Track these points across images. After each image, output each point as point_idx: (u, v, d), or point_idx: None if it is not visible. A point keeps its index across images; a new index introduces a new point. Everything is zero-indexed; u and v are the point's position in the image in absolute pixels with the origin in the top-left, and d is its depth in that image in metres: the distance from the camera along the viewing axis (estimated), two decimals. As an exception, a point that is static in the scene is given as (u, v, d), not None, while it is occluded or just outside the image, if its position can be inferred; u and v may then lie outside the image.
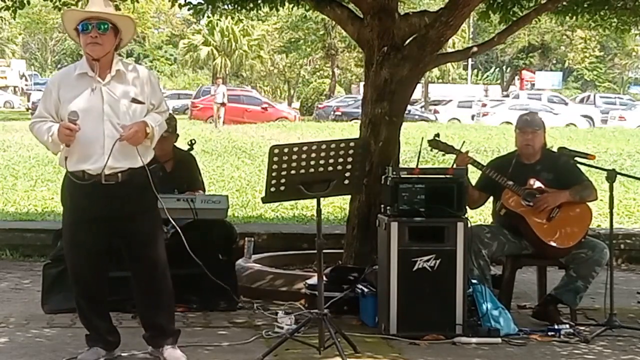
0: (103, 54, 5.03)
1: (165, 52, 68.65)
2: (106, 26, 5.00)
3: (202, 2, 8.82)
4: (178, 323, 5.47)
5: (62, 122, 4.98)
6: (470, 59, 50.24)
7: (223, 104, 33.14)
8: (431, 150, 6.69)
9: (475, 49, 8.19)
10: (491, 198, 6.67)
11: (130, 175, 5.06)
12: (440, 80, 57.36)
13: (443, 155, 7.33)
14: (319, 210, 5.43)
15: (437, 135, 6.71)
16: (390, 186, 6.05)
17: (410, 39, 7.28)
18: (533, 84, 59.45)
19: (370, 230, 6.80)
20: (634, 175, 7.86)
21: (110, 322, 5.34)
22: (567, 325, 6.11)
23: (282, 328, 5.83)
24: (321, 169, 5.34)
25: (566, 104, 42.57)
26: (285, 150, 5.31)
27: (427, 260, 5.96)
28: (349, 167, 5.40)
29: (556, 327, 6.07)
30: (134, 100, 5.06)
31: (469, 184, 6.33)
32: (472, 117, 39.72)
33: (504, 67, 62.62)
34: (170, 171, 6.74)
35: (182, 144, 7.23)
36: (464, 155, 6.50)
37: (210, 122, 33.74)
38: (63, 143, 4.96)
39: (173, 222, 5.42)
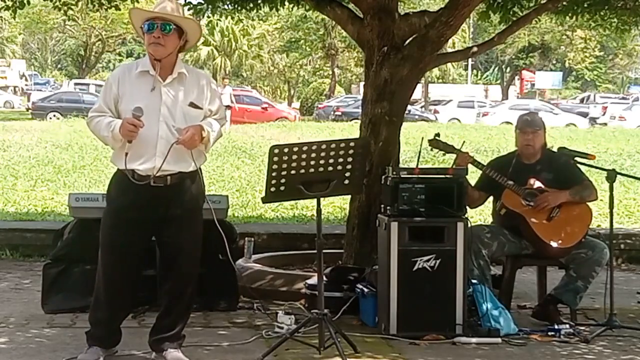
0: (165, 54, 5.01)
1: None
2: (170, 27, 4.99)
3: (202, 2, 8.83)
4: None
5: (125, 117, 4.94)
6: (470, 59, 50.26)
7: (229, 107, 31.36)
8: (431, 149, 6.69)
9: (475, 49, 8.19)
10: (491, 198, 6.67)
11: (180, 179, 5.04)
12: (440, 80, 57.38)
13: (443, 155, 7.33)
14: (319, 210, 5.43)
15: (438, 134, 6.71)
16: (390, 186, 6.06)
17: (410, 39, 7.28)
18: (533, 84, 59.50)
19: (370, 230, 6.80)
20: (634, 175, 7.86)
21: (121, 322, 5.29)
22: (567, 325, 6.11)
23: (282, 328, 5.83)
24: (321, 169, 5.34)
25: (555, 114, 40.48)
26: (285, 150, 5.31)
27: (427, 260, 5.96)
28: (349, 167, 5.40)
29: (556, 327, 6.07)
30: (192, 105, 5.03)
31: (468, 184, 6.33)
32: (479, 114, 39.58)
33: (504, 67, 62.62)
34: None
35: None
36: (464, 154, 6.50)
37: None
38: (125, 138, 4.91)
39: (218, 226, 5.30)
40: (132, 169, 4.99)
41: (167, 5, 5.04)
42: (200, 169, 5.15)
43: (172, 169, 5.00)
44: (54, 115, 35.46)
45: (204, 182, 5.21)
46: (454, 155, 6.59)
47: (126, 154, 4.96)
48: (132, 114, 4.90)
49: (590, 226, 6.55)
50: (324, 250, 5.47)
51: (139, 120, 4.89)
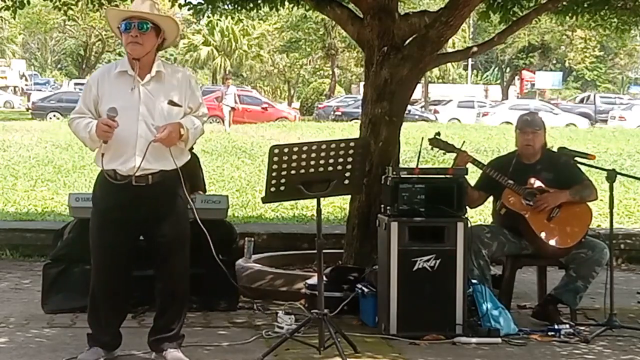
0: (143, 53, 5.01)
1: (165, 51, 68.71)
2: (147, 26, 5.00)
3: (202, 2, 8.82)
4: (178, 323, 5.46)
5: (100, 118, 4.96)
6: (470, 59, 50.28)
7: (233, 108, 30.41)
8: (432, 148, 6.69)
9: (475, 49, 8.19)
10: (491, 198, 6.67)
11: (162, 178, 5.04)
12: (440, 80, 57.39)
13: (443, 154, 7.33)
14: (319, 210, 5.43)
15: (438, 133, 6.71)
16: (390, 186, 6.05)
17: (410, 39, 7.28)
18: (533, 84, 59.48)
19: (370, 230, 6.80)
20: (634, 175, 7.86)
21: (119, 323, 5.30)
22: (567, 325, 6.11)
23: (282, 328, 5.83)
24: (321, 169, 5.34)
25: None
26: (285, 150, 5.31)
27: (427, 260, 5.96)
28: (349, 167, 5.40)
29: (556, 327, 6.07)
30: (171, 103, 5.04)
31: (467, 184, 6.33)
32: (479, 114, 39.58)
33: (504, 67, 62.62)
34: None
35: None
36: (463, 154, 6.49)
37: (211, 122, 33.70)
38: (101, 139, 4.93)
39: (201, 224, 5.30)
40: (114, 169, 5.01)
41: (144, 4, 5.04)
42: (180, 169, 5.11)
43: (153, 167, 5.01)
44: (54, 115, 35.46)
45: (184, 182, 5.17)
46: (454, 155, 6.59)
47: (102, 154, 4.99)
48: (106, 114, 4.92)
49: (590, 226, 6.55)
50: (324, 250, 5.47)
51: (114, 120, 4.90)
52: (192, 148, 7.11)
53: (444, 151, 6.74)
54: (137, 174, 4.97)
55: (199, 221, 5.23)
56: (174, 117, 5.04)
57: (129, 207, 5.04)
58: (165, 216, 5.09)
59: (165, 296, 5.23)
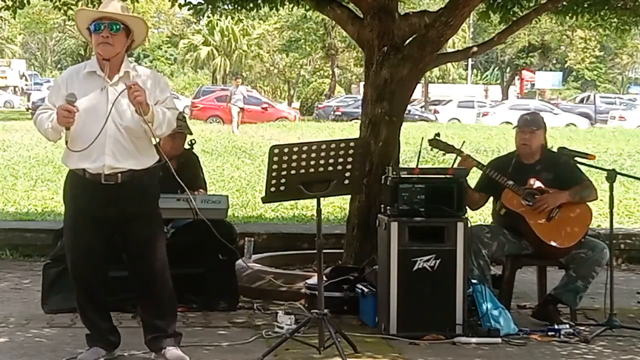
0: (114, 54, 5.03)
1: (165, 52, 68.70)
2: (118, 27, 5.01)
3: (202, 2, 8.83)
4: (178, 323, 5.46)
5: (59, 105, 4.94)
6: (470, 59, 50.26)
7: (242, 109, 29.34)
8: (431, 149, 6.69)
9: (475, 49, 8.19)
10: (491, 198, 6.67)
11: (131, 177, 5.05)
12: (440, 80, 57.38)
13: (443, 155, 7.33)
14: (319, 210, 5.43)
15: (438, 134, 6.71)
16: (390, 186, 6.05)
17: (410, 39, 7.28)
18: (533, 84, 59.47)
19: (370, 230, 6.80)
20: (634, 175, 7.86)
21: (110, 321, 5.34)
22: (567, 325, 6.11)
23: (282, 328, 5.82)
24: (321, 169, 5.34)
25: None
26: (285, 150, 5.31)
27: (427, 260, 5.96)
28: (349, 167, 5.39)
29: (556, 327, 6.07)
30: None
31: (468, 186, 6.33)
32: (479, 114, 39.60)
33: (504, 67, 62.62)
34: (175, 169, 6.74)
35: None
36: (468, 159, 6.47)
37: (211, 122, 33.71)
38: (62, 125, 4.92)
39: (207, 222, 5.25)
40: (83, 168, 5.03)
41: (114, 5, 5.05)
42: (150, 171, 5.13)
43: (121, 166, 5.02)
44: (54, 115, 35.37)
45: (157, 182, 5.21)
46: (454, 155, 6.59)
47: (69, 153, 4.99)
48: (65, 99, 4.91)
49: (590, 226, 6.54)
50: (324, 250, 5.47)
51: (73, 105, 4.90)
52: (192, 148, 7.16)
53: (443, 152, 6.74)
54: (106, 172, 4.99)
55: (205, 220, 5.24)
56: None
57: (99, 205, 5.05)
58: (135, 216, 5.10)
59: (144, 295, 5.24)
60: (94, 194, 5.04)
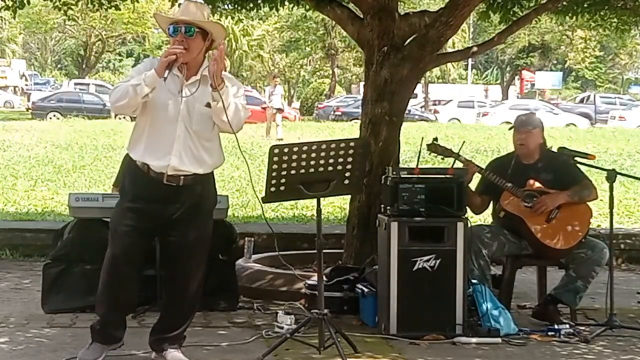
0: (189, 58, 4.99)
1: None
2: (193, 30, 4.99)
3: (202, 2, 8.80)
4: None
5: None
6: (470, 59, 50.26)
7: (281, 110, 26.51)
8: (430, 153, 6.68)
9: (475, 49, 8.19)
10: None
11: (194, 181, 5.02)
12: (440, 80, 57.36)
13: (442, 159, 7.32)
14: (319, 210, 5.43)
15: (436, 139, 6.65)
16: (390, 186, 6.06)
17: (410, 39, 7.29)
18: (533, 84, 59.48)
19: (370, 230, 6.80)
20: (634, 175, 7.86)
21: (127, 313, 5.29)
22: (567, 325, 6.11)
23: (282, 328, 5.83)
24: (321, 169, 5.34)
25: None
26: (285, 150, 5.31)
27: (427, 260, 5.97)
28: (349, 167, 5.39)
29: (556, 327, 6.07)
30: (209, 105, 5.01)
31: (470, 190, 6.33)
32: (479, 114, 39.61)
33: (504, 67, 62.62)
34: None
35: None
36: (470, 165, 6.46)
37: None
38: (169, 57, 4.82)
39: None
40: (147, 164, 4.99)
41: (190, 10, 5.05)
42: (213, 174, 5.13)
43: (186, 169, 4.99)
44: (54, 115, 35.45)
45: (215, 185, 5.21)
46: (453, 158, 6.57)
47: (135, 144, 4.96)
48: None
49: (590, 226, 6.54)
50: (324, 250, 5.47)
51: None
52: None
53: (442, 156, 6.73)
54: (169, 173, 4.96)
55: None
56: (210, 118, 5.01)
57: (156, 203, 5.00)
58: (190, 219, 5.06)
59: (175, 298, 5.22)
60: (153, 190, 4.98)
